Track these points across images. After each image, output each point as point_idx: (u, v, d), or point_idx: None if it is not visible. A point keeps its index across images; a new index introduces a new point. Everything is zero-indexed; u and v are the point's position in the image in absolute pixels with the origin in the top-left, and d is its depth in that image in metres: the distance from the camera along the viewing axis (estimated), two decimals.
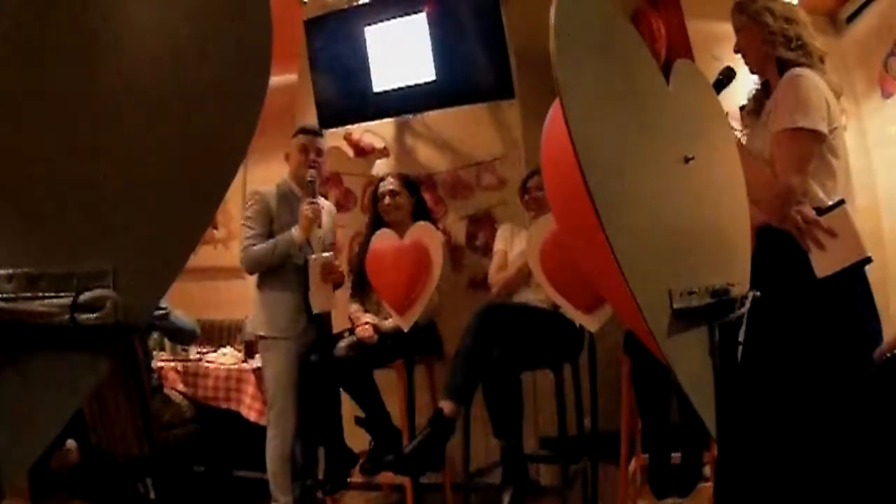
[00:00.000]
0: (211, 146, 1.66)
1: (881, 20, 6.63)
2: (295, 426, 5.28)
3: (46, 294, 1.52)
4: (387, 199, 5.62)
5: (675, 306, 1.99)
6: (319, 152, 5.60)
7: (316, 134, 5.66)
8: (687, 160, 2.23)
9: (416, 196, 5.78)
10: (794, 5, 3.69)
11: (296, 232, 5.28)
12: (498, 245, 5.69)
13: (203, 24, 1.72)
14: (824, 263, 3.21)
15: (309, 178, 5.34)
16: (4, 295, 1.51)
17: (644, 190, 2.09)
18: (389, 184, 5.69)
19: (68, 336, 1.51)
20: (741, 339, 2.32)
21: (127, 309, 1.52)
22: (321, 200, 5.59)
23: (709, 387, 2.15)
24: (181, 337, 6.15)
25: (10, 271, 1.53)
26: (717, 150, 2.61)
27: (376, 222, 5.72)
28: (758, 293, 2.37)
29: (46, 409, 1.55)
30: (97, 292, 1.51)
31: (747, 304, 2.29)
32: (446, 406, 4.58)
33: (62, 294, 1.51)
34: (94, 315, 1.50)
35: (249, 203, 5.45)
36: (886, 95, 6.51)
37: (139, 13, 1.74)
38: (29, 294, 1.52)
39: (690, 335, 2.08)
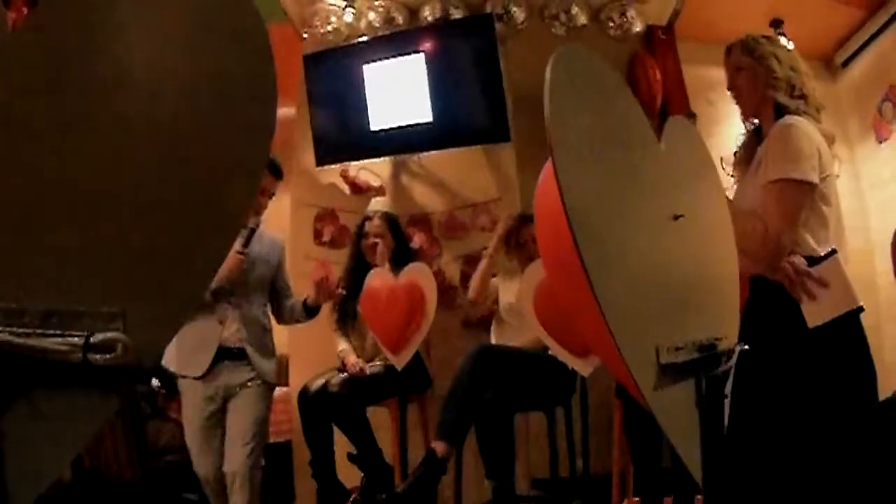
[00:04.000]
0: (220, 191, 1.69)
1: (876, 66, 6.72)
2: (212, 471, 5.05)
3: (58, 332, 1.54)
4: (371, 240, 5.68)
5: (661, 361, 2.01)
6: (272, 196, 5.41)
7: (278, 174, 5.42)
8: (676, 218, 2.25)
9: (398, 236, 5.84)
10: (795, 54, 3.71)
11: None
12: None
13: (207, 65, 1.76)
14: (816, 313, 3.21)
15: (251, 227, 5.09)
16: (17, 330, 1.54)
17: (633, 247, 2.11)
18: (375, 226, 5.76)
19: (79, 374, 1.53)
20: (728, 391, 2.32)
21: (137, 351, 1.55)
22: (273, 236, 5.55)
23: (694, 438, 2.16)
24: (167, 383, 6.16)
25: (23, 306, 1.56)
26: (708, 206, 2.62)
27: (358, 259, 5.81)
28: (746, 346, 2.39)
29: (56, 444, 1.59)
30: (109, 335, 1.54)
31: (734, 358, 2.30)
32: (439, 447, 4.61)
33: (74, 333, 1.54)
34: (106, 356, 1.52)
35: None
36: (880, 140, 6.57)
37: (143, 55, 1.78)
38: (41, 330, 1.55)
39: (677, 388, 2.10)
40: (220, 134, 1.71)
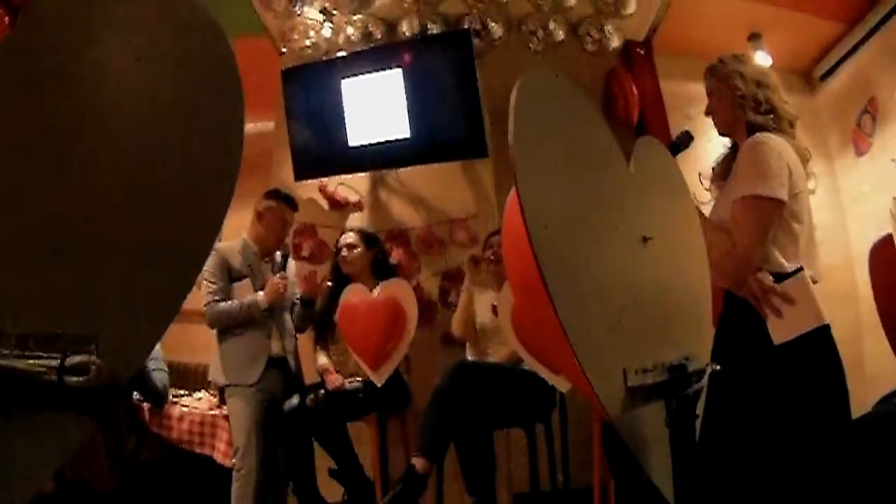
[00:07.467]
0: (189, 213, 1.71)
1: (855, 78, 6.72)
2: (258, 466, 5.30)
3: (35, 354, 1.57)
4: (343, 252, 5.72)
5: (630, 384, 2.01)
6: (291, 225, 5.93)
7: (296, 208, 5.87)
8: (645, 240, 2.24)
9: (377, 250, 5.87)
10: (765, 69, 3.70)
11: (261, 298, 5.44)
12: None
13: (180, 96, 1.77)
14: (781, 330, 3.19)
15: (283, 253, 5.62)
16: None
17: (600, 269, 2.10)
18: (348, 237, 5.80)
19: (56, 394, 1.56)
20: (701, 409, 2.32)
21: (111, 372, 1.57)
22: (291, 258, 5.86)
23: (666, 459, 2.16)
24: (149, 398, 6.18)
25: (1, 330, 1.58)
26: (679, 226, 2.62)
27: (337, 274, 5.82)
28: (717, 366, 2.38)
29: (33, 463, 1.60)
30: (83, 357, 1.56)
31: (705, 377, 2.29)
32: (418, 463, 4.61)
33: (50, 355, 1.56)
34: (80, 378, 1.55)
35: (208, 258, 5.48)
36: (860, 153, 6.56)
37: (117, 87, 1.81)
38: (18, 352, 1.57)
39: (646, 410, 2.10)
40: (189, 165, 1.73)
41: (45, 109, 1.73)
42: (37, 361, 1.56)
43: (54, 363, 1.55)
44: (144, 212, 1.69)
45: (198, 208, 1.71)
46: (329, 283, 5.81)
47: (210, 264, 5.52)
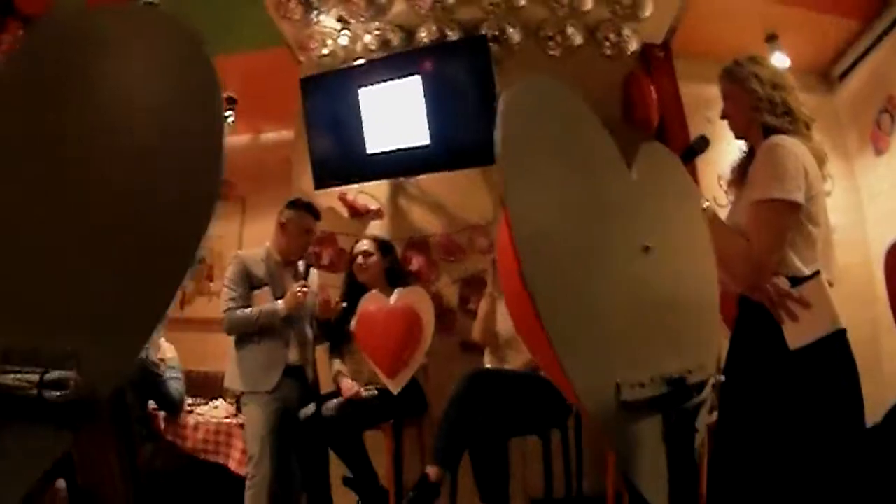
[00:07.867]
0: (172, 226, 1.71)
1: (873, 77, 6.68)
2: (271, 473, 5.35)
3: (16, 368, 1.59)
4: (359, 260, 5.76)
5: (623, 398, 1.97)
6: (314, 233, 5.94)
7: (318, 216, 5.90)
8: (647, 249, 2.22)
9: (391, 258, 5.91)
10: (781, 70, 3.67)
11: (280, 306, 5.46)
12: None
13: (162, 109, 1.78)
14: (796, 335, 3.16)
15: (307, 263, 5.68)
16: None
17: (594, 279, 2.04)
18: (363, 245, 5.85)
19: (36, 408, 1.58)
20: (700, 424, 2.28)
21: (90, 387, 1.59)
22: (313, 269, 5.91)
23: (661, 474, 2.12)
24: (165, 406, 6.23)
25: None
26: (684, 234, 2.55)
27: (350, 282, 5.87)
28: (721, 377, 2.35)
29: (11, 474, 1.61)
30: (63, 373, 1.58)
31: (707, 389, 2.26)
32: (432, 471, 4.59)
33: (30, 370, 1.59)
34: (59, 393, 1.57)
35: (229, 265, 5.68)
36: (878, 152, 6.52)
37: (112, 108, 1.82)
38: (1, 367, 1.59)
39: (642, 424, 2.07)
40: (172, 189, 1.74)
41: (43, 119, 1.76)
42: (18, 376, 1.58)
43: (34, 378, 1.58)
44: (129, 235, 1.71)
45: (180, 220, 1.71)
46: (343, 304, 5.83)
47: (231, 271, 5.60)
